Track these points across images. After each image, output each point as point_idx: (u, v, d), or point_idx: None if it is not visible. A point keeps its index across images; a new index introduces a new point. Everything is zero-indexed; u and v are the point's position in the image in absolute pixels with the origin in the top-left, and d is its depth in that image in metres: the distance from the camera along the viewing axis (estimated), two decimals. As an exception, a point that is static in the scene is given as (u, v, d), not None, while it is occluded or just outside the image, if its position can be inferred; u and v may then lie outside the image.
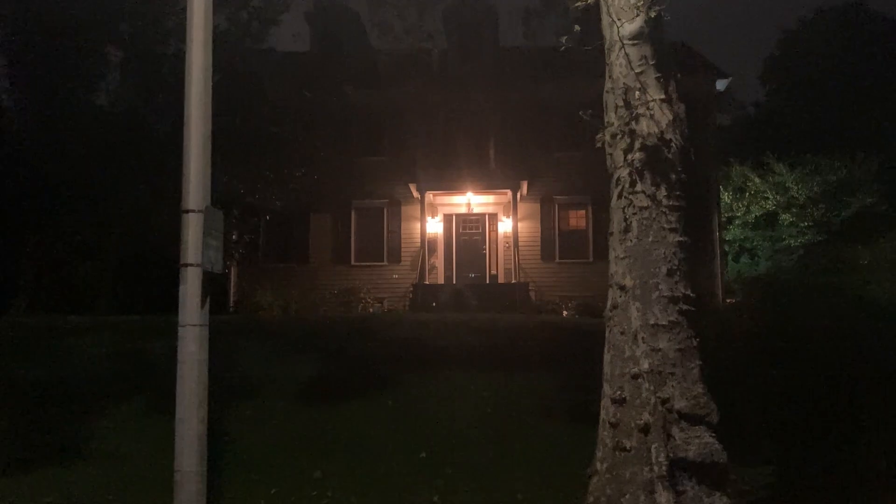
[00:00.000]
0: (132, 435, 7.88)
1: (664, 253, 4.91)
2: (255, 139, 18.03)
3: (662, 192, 4.96)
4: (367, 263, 22.56)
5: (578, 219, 22.84)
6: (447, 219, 23.06)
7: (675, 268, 4.90)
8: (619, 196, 5.09)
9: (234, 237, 19.85)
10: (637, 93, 5.04)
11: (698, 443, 4.63)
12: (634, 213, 4.99)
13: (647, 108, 5.02)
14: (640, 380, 4.76)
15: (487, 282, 22.54)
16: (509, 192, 21.89)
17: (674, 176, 5.01)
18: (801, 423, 7.62)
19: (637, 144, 5.01)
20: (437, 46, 24.42)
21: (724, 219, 26.60)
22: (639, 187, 4.99)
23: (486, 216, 23.13)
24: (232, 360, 10.14)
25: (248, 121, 17.82)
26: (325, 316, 17.13)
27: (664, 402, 4.69)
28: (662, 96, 5.04)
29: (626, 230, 5.01)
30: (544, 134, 22.45)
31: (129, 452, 7.51)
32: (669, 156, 5.01)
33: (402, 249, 22.55)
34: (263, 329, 13.56)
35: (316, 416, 8.47)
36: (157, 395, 8.57)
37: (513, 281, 21.25)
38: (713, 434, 4.70)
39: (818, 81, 33.91)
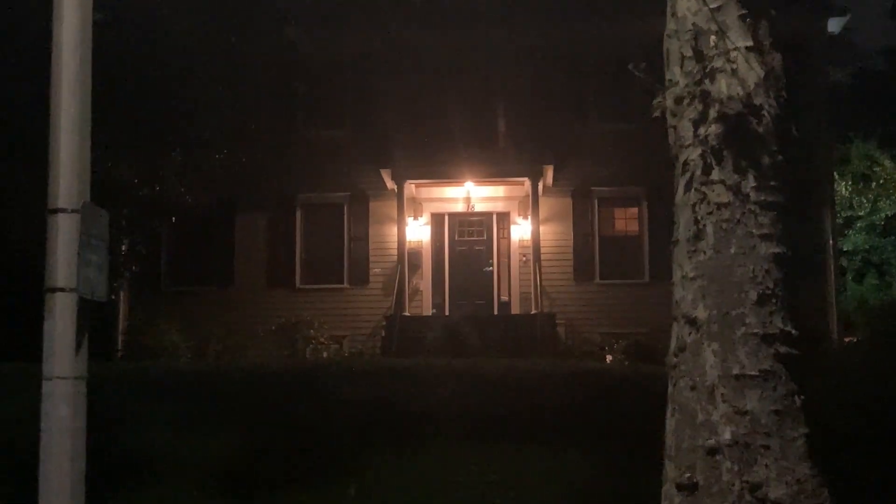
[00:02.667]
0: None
1: (753, 270, 4.91)
2: (155, 105, 18.00)
3: (750, 181, 4.97)
4: (320, 286, 22.56)
5: (628, 220, 22.93)
6: (437, 220, 23.11)
7: (769, 292, 4.91)
8: (688, 188, 5.10)
9: (123, 248, 19.78)
10: (713, 38, 5.06)
11: (804, 549, 4.63)
12: (709, 213, 4.99)
13: (728, 61, 5.03)
14: (718, 456, 4.76)
15: (495, 312, 22.56)
16: (527, 182, 21.96)
17: (766, 158, 5.02)
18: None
19: (713, 113, 5.02)
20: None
21: (840, 220, 26.71)
22: (715, 175, 5.00)
23: (494, 216, 23.19)
24: (121, 428, 10.07)
25: (146, 79, 17.80)
26: (258, 364, 17.04)
27: (754, 488, 4.68)
28: (749, 43, 5.06)
29: (698, 237, 5.01)
30: (578, 97, 22.56)
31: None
32: (759, 129, 5.03)
33: (372, 265, 22.57)
34: (168, 383, 13.47)
35: (244, 510, 8.42)
36: (12, 478, 8.50)
37: (532, 311, 21.28)
38: (826, 536, 4.70)
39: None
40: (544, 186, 22.15)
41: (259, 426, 10.85)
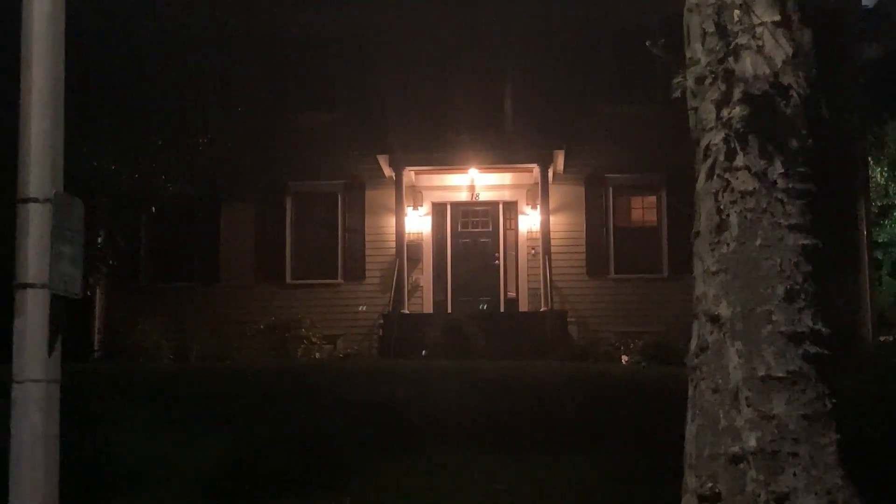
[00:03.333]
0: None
1: (780, 264, 4.90)
2: (135, 87, 18.00)
3: (777, 167, 4.96)
4: (313, 281, 22.55)
5: (646, 210, 22.91)
6: (438, 210, 23.10)
7: (798, 287, 4.90)
8: (710, 174, 5.09)
9: (100, 241, 19.80)
10: (737, 12, 5.05)
11: (835, 564, 4.63)
12: (733, 202, 4.98)
13: (753, 37, 5.02)
14: (742, 464, 4.75)
15: (502, 310, 22.55)
16: (536, 169, 21.93)
17: (795, 142, 5.01)
18: None
19: (737, 93, 5.01)
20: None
21: (874, 209, 26.69)
22: (740, 160, 4.99)
23: (500, 206, 23.17)
24: (98, 435, 10.08)
25: (126, 59, 17.79)
26: (246, 365, 17.06)
27: (781, 499, 4.68)
28: (777, 17, 5.04)
29: (721, 228, 5.00)
30: (591, 77, 22.50)
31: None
32: (787, 111, 5.02)
33: (368, 259, 22.56)
34: (148, 386, 13.50)
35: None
36: None
37: (542, 308, 21.28)
38: (859, 551, 4.69)
39: None
40: (555, 173, 22.11)
41: (247, 433, 10.86)
